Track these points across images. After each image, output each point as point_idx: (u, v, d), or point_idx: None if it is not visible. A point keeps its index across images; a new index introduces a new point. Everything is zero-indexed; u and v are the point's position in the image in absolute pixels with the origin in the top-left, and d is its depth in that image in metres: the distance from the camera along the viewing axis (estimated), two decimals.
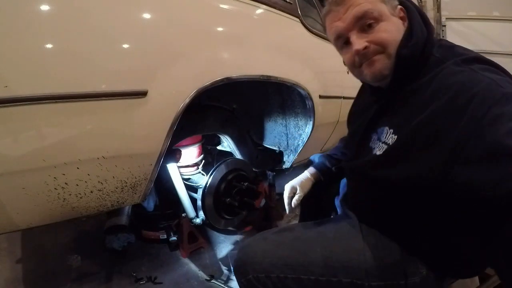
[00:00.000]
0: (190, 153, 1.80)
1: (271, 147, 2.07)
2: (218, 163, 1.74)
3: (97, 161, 1.06)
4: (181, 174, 1.72)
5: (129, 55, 1.07)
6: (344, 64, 0.96)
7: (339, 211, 1.27)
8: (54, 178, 1.00)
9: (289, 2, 1.76)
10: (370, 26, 0.85)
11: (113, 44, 1.04)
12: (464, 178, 0.68)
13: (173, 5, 1.22)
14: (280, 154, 2.03)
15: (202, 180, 1.76)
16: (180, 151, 1.64)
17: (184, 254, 1.85)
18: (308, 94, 1.72)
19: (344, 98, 2.08)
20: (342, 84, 2.05)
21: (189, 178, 1.83)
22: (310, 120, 1.83)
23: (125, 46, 1.06)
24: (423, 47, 0.84)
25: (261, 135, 2.09)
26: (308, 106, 1.78)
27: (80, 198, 1.08)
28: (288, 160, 2.01)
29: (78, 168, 1.03)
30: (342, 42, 0.91)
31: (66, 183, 1.03)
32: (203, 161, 1.91)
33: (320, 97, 1.84)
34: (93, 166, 1.06)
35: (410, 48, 0.83)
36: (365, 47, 0.85)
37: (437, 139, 0.72)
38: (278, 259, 0.93)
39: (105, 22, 1.03)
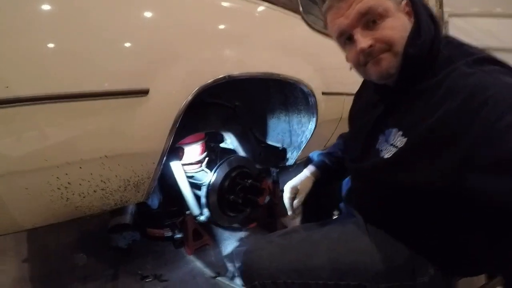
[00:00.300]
0: (193, 151, 1.81)
1: (274, 144, 2.06)
2: (222, 161, 1.74)
3: (99, 160, 1.06)
4: (184, 172, 1.73)
5: (129, 54, 1.08)
6: (347, 61, 0.92)
7: (343, 209, 1.27)
8: (57, 178, 1.01)
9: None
10: (374, 23, 0.81)
11: (113, 43, 1.04)
12: (476, 185, 0.67)
13: (173, 3, 1.22)
14: (284, 151, 2.02)
15: (206, 177, 1.76)
16: (183, 149, 1.64)
17: (189, 252, 1.85)
18: (311, 91, 1.71)
19: (347, 94, 2.07)
20: (345, 80, 2.04)
21: (193, 176, 1.83)
22: (313, 117, 1.81)
23: (126, 44, 1.07)
24: (431, 44, 0.81)
25: (264, 132, 2.09)
26: (311, 103, 1.77)
27: (84, 197, 1.08)
28: (292, 157, 2.00)
29: (80, 167, 1.04)
30: (345, 38, 0.87)
31: (69, 183, 1.03)
32: (207, 158, 1.91)
33: (323, 93, 1.83)
34: (96, 166, 1.07)
35: (418, 46, 0.80)
36: (370, 46, 0.81)
37: (448, 143, 0.71)
38: (284, 264, 0.93)
39: (105, 21, 1.04)
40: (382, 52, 0.82)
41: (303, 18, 1.82)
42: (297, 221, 1.34)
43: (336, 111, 2.06)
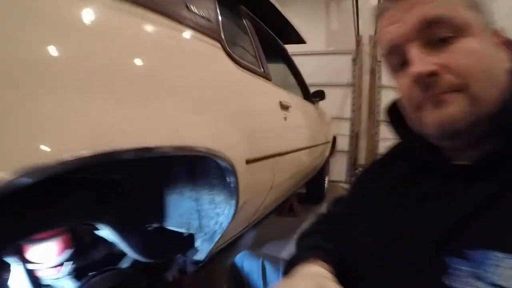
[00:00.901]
0: (47, 251, 1.15)
1: (176, 229, 1.41)
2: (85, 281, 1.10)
3: None
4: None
5: None
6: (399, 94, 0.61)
7: None
8: None
9: (206, 19, 1.21)
10: (444, 41, 0.51)
11: None
12: None
13: None
14: (190, 237, 1.41)
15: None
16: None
17: None
18: (229, 162, 1.14)
19: (280, 155, 1.54)
20: (279, 135, 1.51)
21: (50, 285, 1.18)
22: (233, 198, 1.24)
23: None
24: None
25: (161, 214, 1.41)
26: (229, 179, 1.19)
27: None
28: (203, 249, 1.38)
29: None
30: (399, 60, 0.56)
31: None
32: (76, 252, 1.25)
33: (248, 162, 1.27)
34: None
35: None
36: (432, 73, 0.50)
37: None
38: None
39: None
40: (450, 89, 0.51)
41: (223, 47, 1.28)
42: None
43: (265, 179, 1.51)
